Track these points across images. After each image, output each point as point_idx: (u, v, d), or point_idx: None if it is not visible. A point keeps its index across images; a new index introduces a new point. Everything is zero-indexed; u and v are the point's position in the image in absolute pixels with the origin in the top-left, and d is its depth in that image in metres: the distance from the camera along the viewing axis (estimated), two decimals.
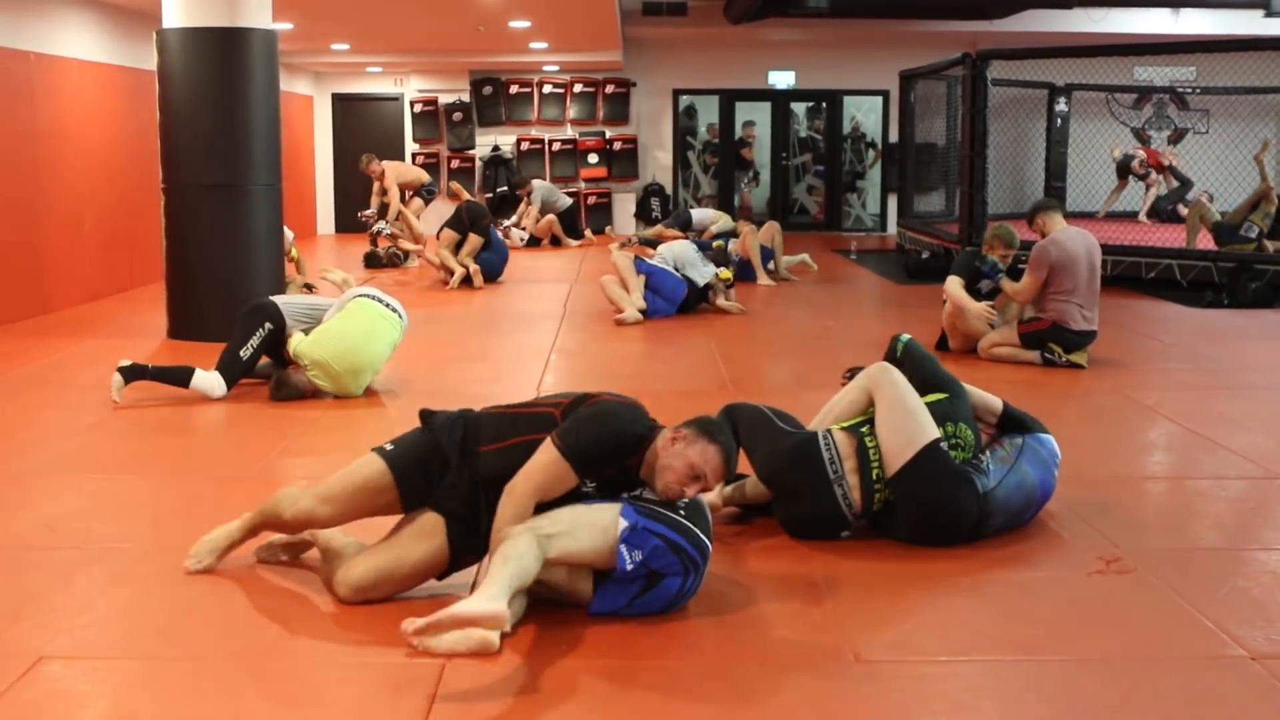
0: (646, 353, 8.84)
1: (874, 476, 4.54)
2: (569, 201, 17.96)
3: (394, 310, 7.26)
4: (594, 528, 3.73)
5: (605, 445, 3.86)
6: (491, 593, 3.47)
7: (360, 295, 7.30)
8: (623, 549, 3.72)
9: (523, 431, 3.96)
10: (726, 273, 10.87)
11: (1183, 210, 16.83)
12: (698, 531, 3.84)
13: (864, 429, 4.62)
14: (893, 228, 18.99)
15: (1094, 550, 4.53)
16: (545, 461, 3.83)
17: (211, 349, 8.65)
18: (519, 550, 3.60)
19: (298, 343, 7.10)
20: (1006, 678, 3.52)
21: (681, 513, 3.86)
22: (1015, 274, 8.59)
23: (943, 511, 4.51)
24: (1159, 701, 3.35)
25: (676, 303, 10.48)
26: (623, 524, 3.73)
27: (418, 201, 14.95)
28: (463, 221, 12.88)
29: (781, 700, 3.34)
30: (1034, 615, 3.98)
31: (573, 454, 3.81)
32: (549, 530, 3.68)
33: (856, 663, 3.58)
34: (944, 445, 4.54)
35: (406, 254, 14.56)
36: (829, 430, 4.66)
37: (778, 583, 4.22)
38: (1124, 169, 18.16)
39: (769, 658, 3.61)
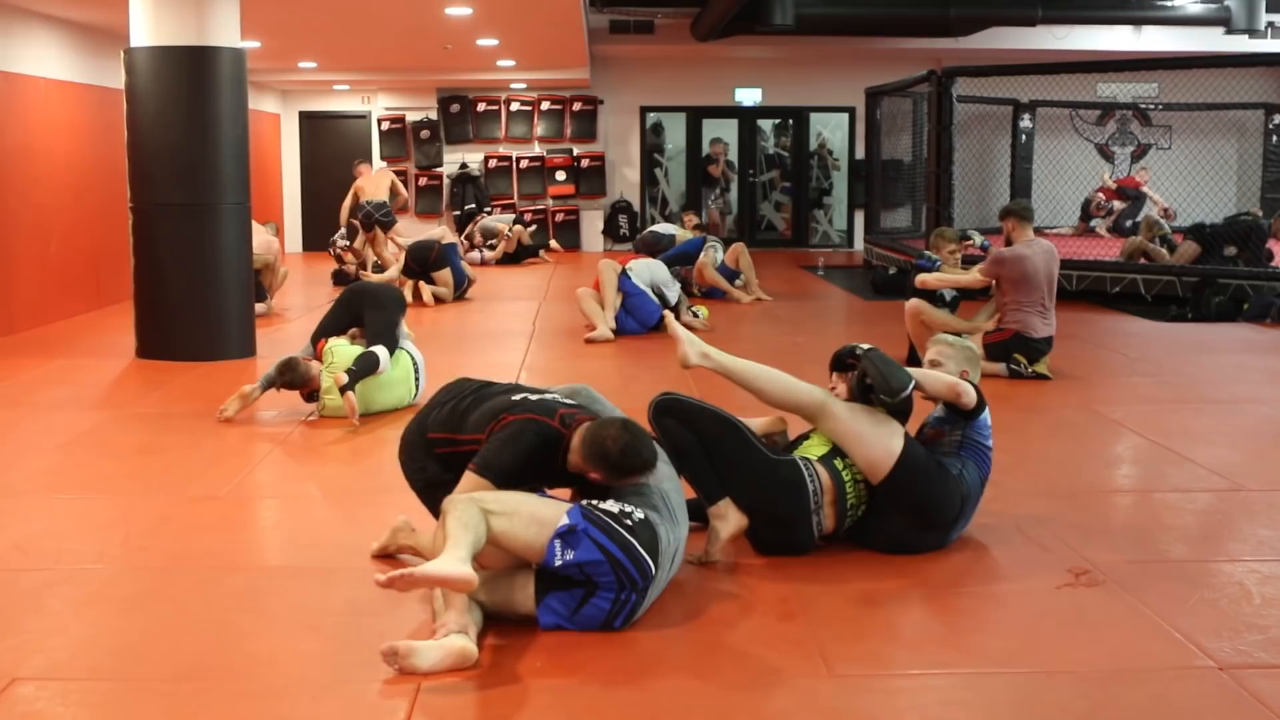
0: (616, 370, 8.85)
1: (848, 505, 4.58)
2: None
3: (418, 385, 7.41)
4: (533, 519, 3.78)
5: (522, 461, 4.07)
6: (460, 555, 3.55)
7: (409, 352, 7.42)
8: (555, 544, 3.75)
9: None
10: (705, 314, 10.87)
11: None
12: (640, 550, 3.83)
13: (837, 461, 4.59)
14: (860, 244, 19.08)
15: (1063, 563, 4.57)
16: (471, 488, 4.01)
17: (181, 368, 8.70)
18: (473, 520, 3.67)
19: (338, 345, 7.15)
20: (977, 690, 3.54)
21: (629, 523, 3.87)
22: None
23: (934, 504, 4.57)
24: (1128, 712, 3.39)
25: (649, 327, 10.44)
26: (563, 522, 3.78)
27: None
28: (412, 268, 12.86)
29: (754, 715, 3.35)
30: (1004, 628, 4.02)
31: (494, 476, 4.03)
32: (492, 507, 3.75)
33: (829, 677, 3.60)
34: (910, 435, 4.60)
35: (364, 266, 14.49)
36: (810, 461, 4.60)
37: (749, 598, 4.24)
38: (1085, 211, 18.35)
39: (742, 673, 3.63)
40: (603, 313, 10.22)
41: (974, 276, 8.57)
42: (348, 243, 14.69)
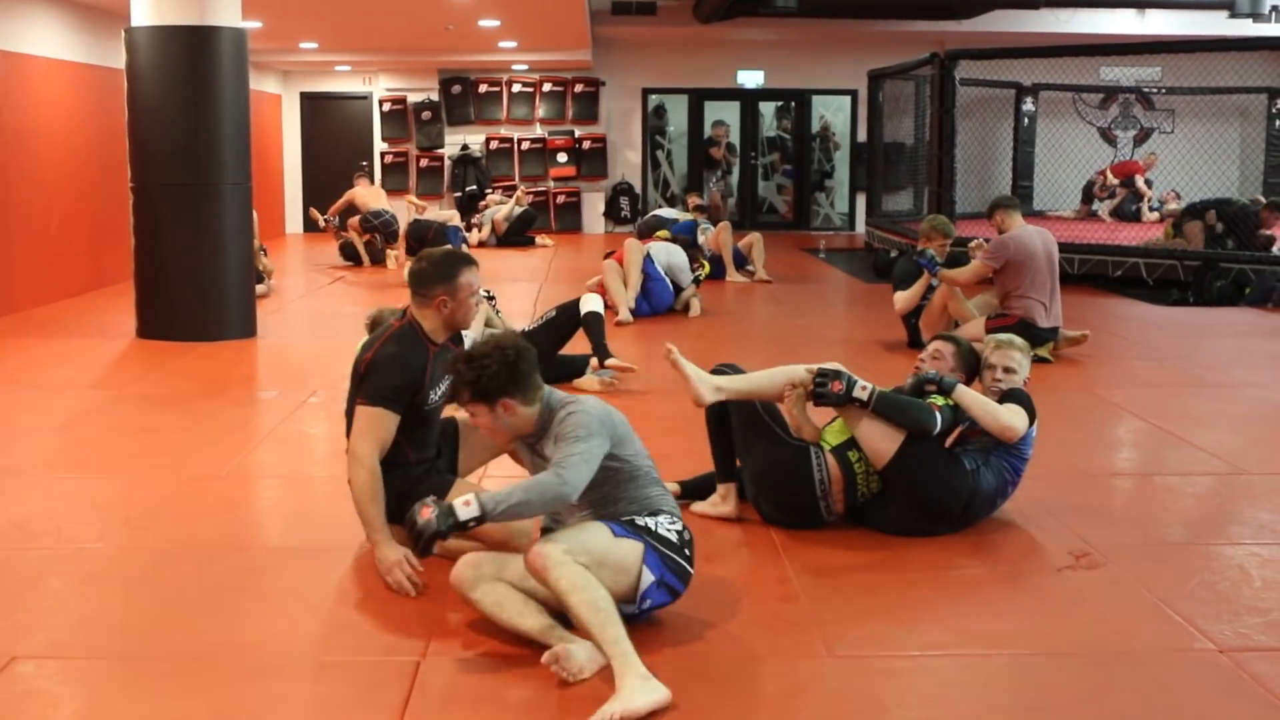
0: (617, 354, 8.83)
1: (858, 493, 4.63)
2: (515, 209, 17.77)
3: None
4: (616, 569, 3.59)
5: (401, 371, 4.21)
6: (638, 669, 3.30)
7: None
8: (646, 602, 3.68)
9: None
10: (705, 268, 10.92)
11: (1149, 214, 17.00)
12: (690, 571, 3.81)
13: (851, 453, 4.63)
14: (861, 227, 19.06)
15: (1063, 545, 4.57)
16: (369, 419, 4.18)
17: (181, 348, 8.70)
18: (596, 592, 3.43)
19: None
20: (978, 671, 3.55)
21: (688, 553, 3.79)
22: (952, 266, 8.79)
23: (937, 495, 4.57)
24: (1128, 694, 3.39)
25: (660, 312, 10.51)
26: (649, 578, 3.65)
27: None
28: (412, 245, 13.11)
29: (755, 695, 3.36)
30: (1004, 610, 4.02)
31: (385, 401, 4.18)
32: (582, 560, 3.50)
33: (829, 657, 3.61)
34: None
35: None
36: (820, 449, 4.66)
37: (752, 579, 4.25)
38: (1087, 193, 18.29)
39: (743, 653, 3.63)
40: (625, 294, 10.25)
41: (975, 268, 8.45)
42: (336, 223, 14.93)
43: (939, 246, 8.72)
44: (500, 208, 17.43)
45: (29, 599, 4.03)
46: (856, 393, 4.53)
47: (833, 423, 4.79)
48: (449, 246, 4.39)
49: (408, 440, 4.31)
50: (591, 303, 7.68)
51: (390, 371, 4.20)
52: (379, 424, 4.18)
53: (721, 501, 4.88)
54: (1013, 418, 4.62)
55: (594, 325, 7.61)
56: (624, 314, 10.11)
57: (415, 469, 4.30)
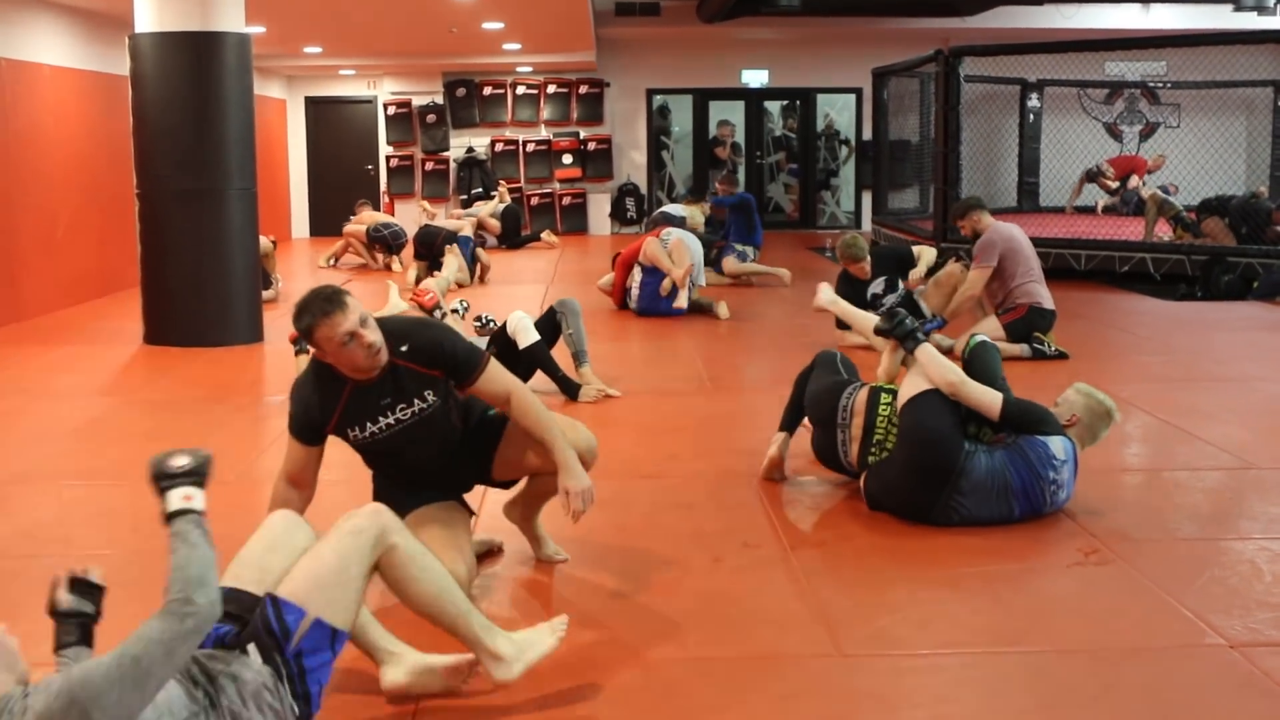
0: (625, 353, 8.83)
1: (874, 439, 4.81)
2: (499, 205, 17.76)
3: None
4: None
5: (297, 407, 4.01)
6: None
7: None
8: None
9: None
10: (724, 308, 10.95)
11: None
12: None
13: (884, 395, 4.89)
14: (867, 225, 19.05)
15: (1073, 542, 4.56)
16: (287, 446, 4.03)
17: (188, 354, 8.71)
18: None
19: None
20: (987, 670, 3.54)
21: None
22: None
23: (930, 440, 4.63)
24: (1139, 691, 3.38)
25: (671, 311, 10.46)
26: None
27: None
28: (420, 251, 13.10)
29: (763, 695, 3.35)
30: (1014, 607, 4.01)
31: (291, 430, 4.02)
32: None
33: (838, 656, 3.60)
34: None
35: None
36: (858, 386, 5.03)
37: (759, 578, 4.24)
38: (1091, 177, 18.21)
39: (752, 652, 3.63)
40: (671, 263, 10.24)
41: (976, 277, 8.36)
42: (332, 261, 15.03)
43: (858, 269, 8.82)
44: (483, 206, 17.44)
45: (38, 607, 4.01)
46: (909, 342, 4.93)
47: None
48: (328, 287, 4.12)
49: (374, 469, 4.25)
50: (524, 334, 6.97)
51: (292, 400, 4.04)
52: (288, 452, 4.02)
53: (773, 445, 5.37)
54: (950, 374, 4.77)
55: (545, 363, 7.00)
56: (679, 272, 10.14)
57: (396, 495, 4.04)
